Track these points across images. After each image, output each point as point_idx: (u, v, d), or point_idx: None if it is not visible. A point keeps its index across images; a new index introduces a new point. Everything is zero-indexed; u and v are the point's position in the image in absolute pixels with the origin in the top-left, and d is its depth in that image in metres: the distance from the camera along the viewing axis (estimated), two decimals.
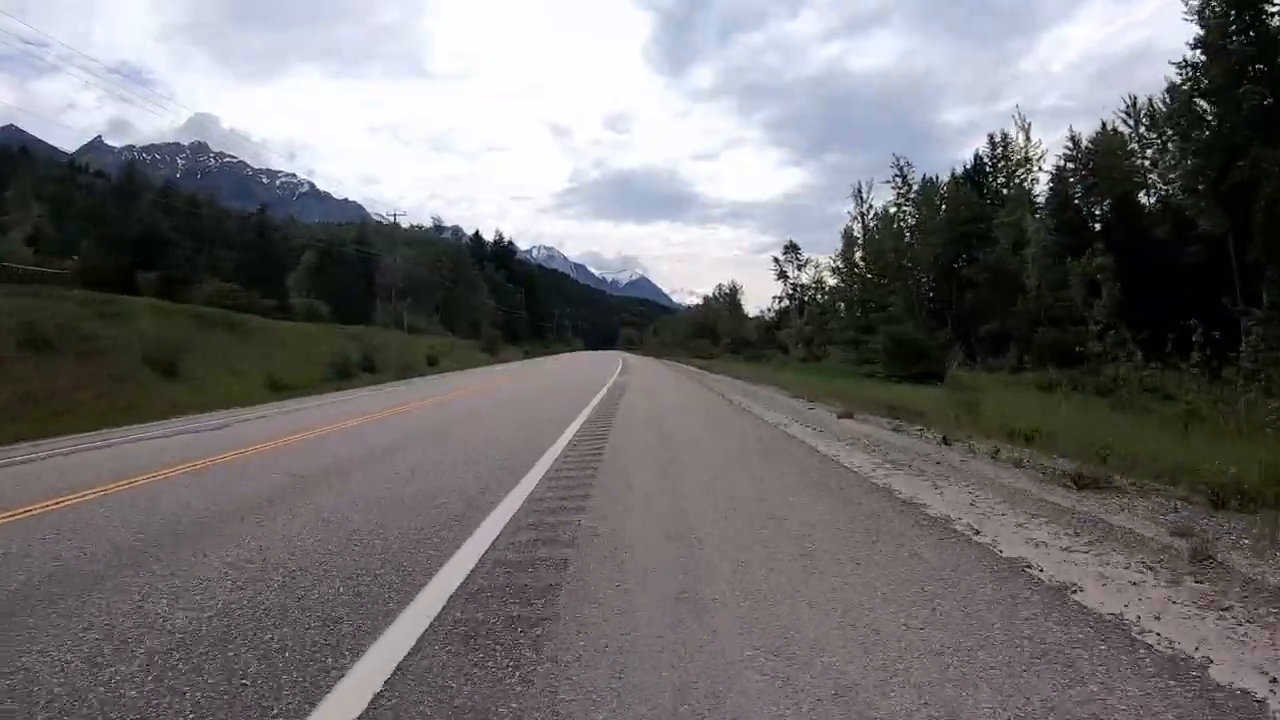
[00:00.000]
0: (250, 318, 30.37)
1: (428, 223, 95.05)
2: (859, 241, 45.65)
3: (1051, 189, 33.12)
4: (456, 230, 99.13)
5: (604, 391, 15.53)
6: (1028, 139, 37.05)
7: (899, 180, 44.33)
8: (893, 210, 43.78)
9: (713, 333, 67.14)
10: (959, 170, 47.48)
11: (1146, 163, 33.33)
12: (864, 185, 48.51)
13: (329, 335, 35.23)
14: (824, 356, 37.89)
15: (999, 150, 46.31)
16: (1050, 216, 30.34)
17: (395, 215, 57.96)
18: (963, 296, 34.45)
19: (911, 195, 45.74)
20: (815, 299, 60.69)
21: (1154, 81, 57.56)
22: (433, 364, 37.85)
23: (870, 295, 39.45)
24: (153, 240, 32.80)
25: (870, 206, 46.79)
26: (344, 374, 26.91)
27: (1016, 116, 38.90)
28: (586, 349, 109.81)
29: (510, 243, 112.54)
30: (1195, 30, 25.28)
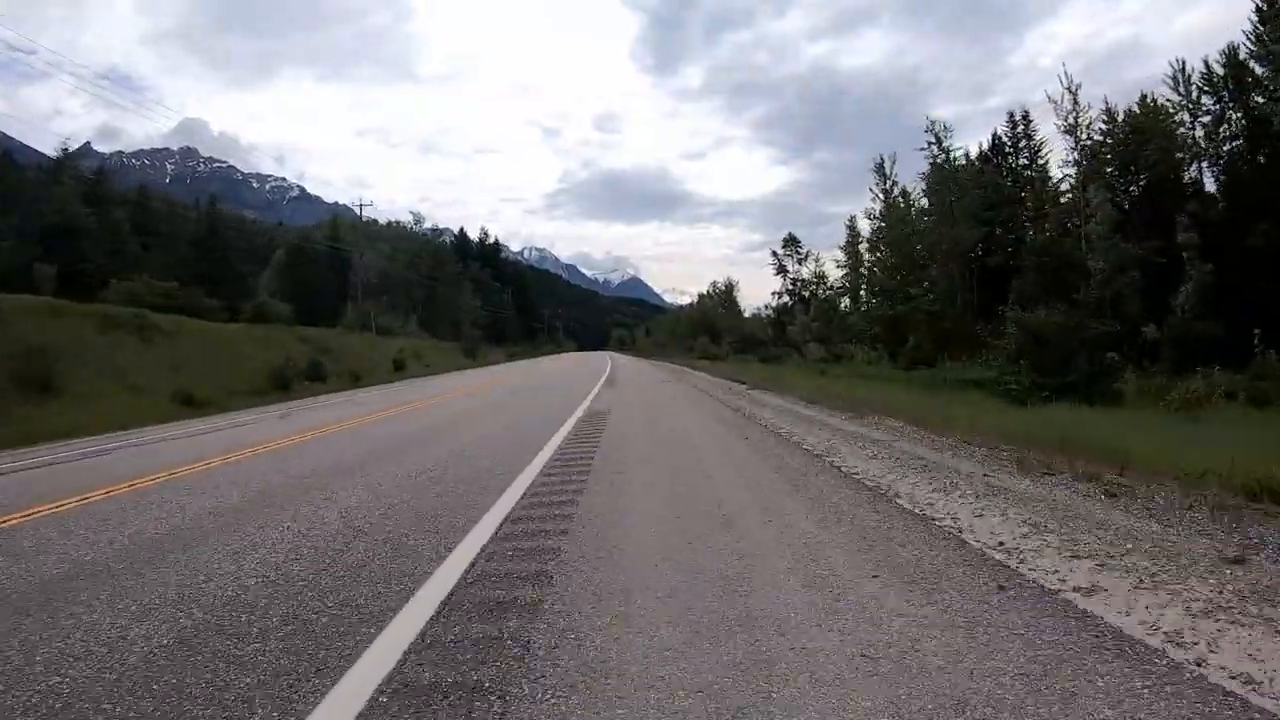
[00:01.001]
0: (178, 319, 26.40)
1: (414, 222, 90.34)
2: (882, 224, 40.32)
3: (1085, 164, 29.39)
4: (436, 228, 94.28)
5: (551, 448, 7.41)
6: (1075, 103, 32.08)
7: (934, 148, 37.69)
8: (918, 189, 38.64)
9: (713, 331, 63.08)
10: (972, 154, 43.56)
11: (1199, 133, 29.63)
12: (887, 160, 42.69)
13: (279, 338, 31.31)
14: (844, 356, 33.07)
15: (1019, 129, 42.70)
16: (1108, 189, 26.42)
17: (361, 205, 53.87)
18: (991, 284, 30.43)
19: (913, 180, 41.53)
20: (816, 293, 56.81)
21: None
22: (399, 369, 33.98)
23: (893, 283, 33.71)
24: (65, 231, 28.59)
25: (895, 183, 41.54)
26: (283, 384, 23.05)
27: (1062, 76, 32.97)
28: (579, 350, 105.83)
29: (496, 241, 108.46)
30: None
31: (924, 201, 38.48)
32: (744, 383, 18.21)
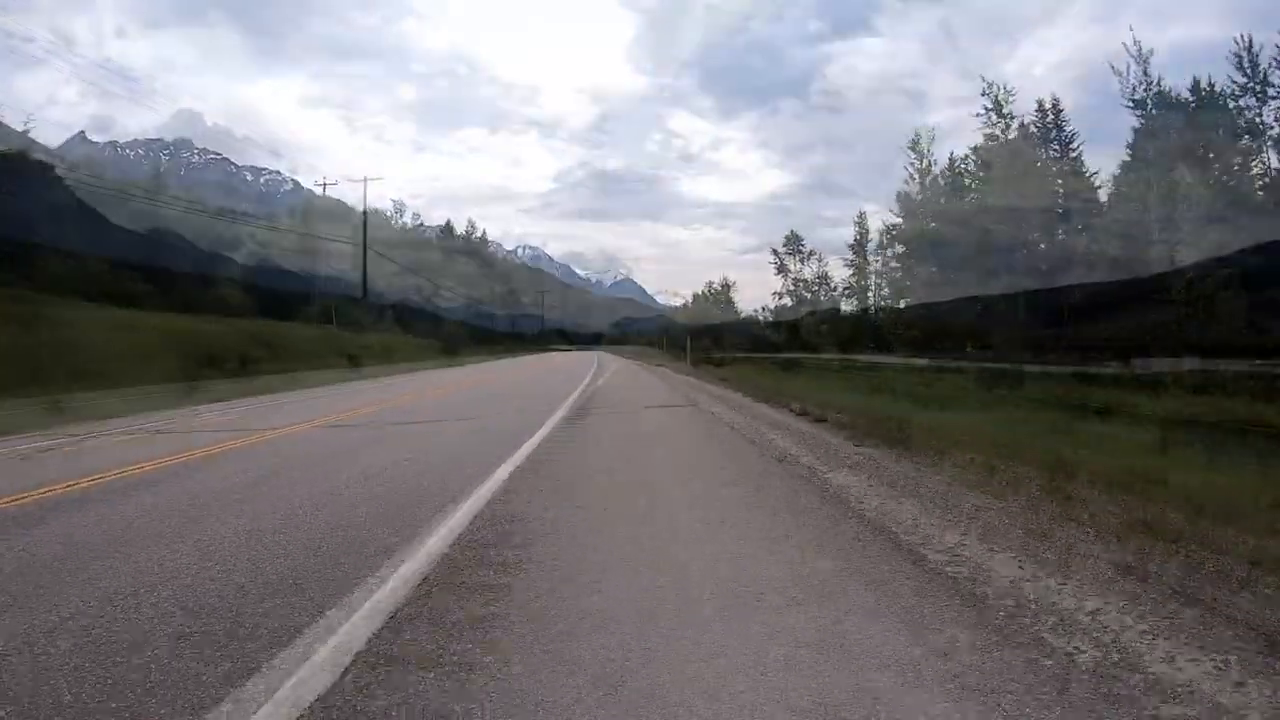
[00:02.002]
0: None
1: (404, 217, 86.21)
2: (917, 204, 35.87)
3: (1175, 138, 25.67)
4: (418, 217, 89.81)
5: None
6: (1146, 72, 27.99)
7: (992, 114, 32.35)
8: (971, 159, 34.33)
9: (713, 331, 59.30)
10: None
11: (1268, 116, 25.96)
12: (924, 136, 38.51)
13: (210, 331, 27.36)
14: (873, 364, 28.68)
15: (1050, 118, 39.02)
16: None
17: (325, 184, 49.87)
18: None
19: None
20: (819, 295, 53.27)
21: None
22: (355, 367, 30.07)
23: (938, 278, 28.73)
24: None
25: (933, 162, 37.09)
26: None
27: (1130, 43, 28.09)
28: (570, 348, 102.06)
29: (484, 234, 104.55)
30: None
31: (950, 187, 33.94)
32: (819, 417, 9.24)
